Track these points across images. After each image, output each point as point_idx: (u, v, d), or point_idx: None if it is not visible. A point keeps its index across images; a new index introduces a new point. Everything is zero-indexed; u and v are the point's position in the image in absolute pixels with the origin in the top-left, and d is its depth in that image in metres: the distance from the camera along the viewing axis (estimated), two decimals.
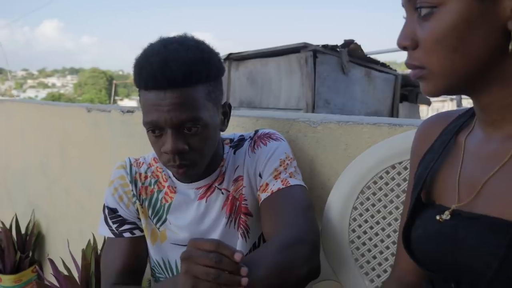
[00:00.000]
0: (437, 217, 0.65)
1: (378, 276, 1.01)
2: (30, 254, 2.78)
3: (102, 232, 1.08)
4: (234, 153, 1.07)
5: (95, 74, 64.37)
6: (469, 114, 0.73)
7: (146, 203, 1.07)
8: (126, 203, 1.06)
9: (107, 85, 59.24)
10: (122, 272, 1.01)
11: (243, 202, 1.04)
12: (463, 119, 0.73)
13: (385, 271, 1.01)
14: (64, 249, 2.11)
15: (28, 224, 2.86)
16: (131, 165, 1.09)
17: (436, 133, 0.76)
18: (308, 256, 0.85)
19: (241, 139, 1.09)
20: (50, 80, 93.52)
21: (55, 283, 1.91)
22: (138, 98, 0.98)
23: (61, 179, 2.59)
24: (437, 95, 0.63)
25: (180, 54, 0.88)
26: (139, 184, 1.08)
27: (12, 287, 2.65)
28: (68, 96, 60.89)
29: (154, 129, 0.91)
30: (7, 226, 2.78)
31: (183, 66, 0.87)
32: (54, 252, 2.69)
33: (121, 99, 51.27)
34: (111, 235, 1.06)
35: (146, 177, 1.08)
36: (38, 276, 2.68)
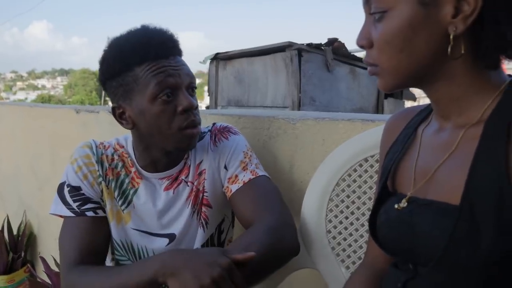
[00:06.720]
0: (396, 206, 0.71)
1: (354, 263, 1.07)
2: (23, 254, 2.80)
3: (56, 210, 1.05)
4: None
5: (85, 75, 63.94)
6: (430, 109, 0.79)
7: (113, 184, 1.08)
8: (90, 182, 1.05)
9: (98, 86, 58.79)
10: (83, 251, 0.99)
11: (205, 194, 1.10)
12: (424, 113, 0.79)
13: (359, 258, 1.06)
14: (56, 248, 2.13)
15: (20, 224, 2.88)
16: (96, 146, 1.09)
17: (401, 127, 0.82)
18: (292, 237, 0.99)
19: None
20: (39, 82, 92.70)
21: (47, 280, 1.95)
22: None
23: (52, 179, 2.62)
24: (389, 90, 0.69)
25: (167, 30, 1.03)
26: (106, 164, 1.08)
27: (5, 287, 2.67)
28: (58, 97, 60.43)
29: (171, 92, 0.97)
30: None
31: (176, 38, 1.03)
32: (46, 252, 2.71)
33: None
34: (70, 214, 1.03)
35: (113, 159, 1.09)
36: (31, 275, 2.71)
